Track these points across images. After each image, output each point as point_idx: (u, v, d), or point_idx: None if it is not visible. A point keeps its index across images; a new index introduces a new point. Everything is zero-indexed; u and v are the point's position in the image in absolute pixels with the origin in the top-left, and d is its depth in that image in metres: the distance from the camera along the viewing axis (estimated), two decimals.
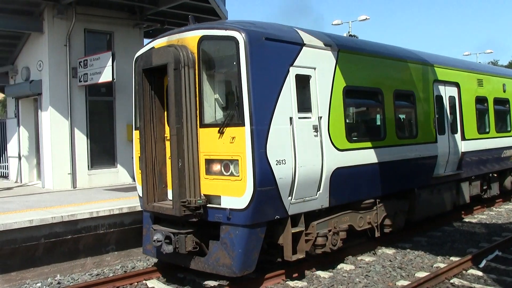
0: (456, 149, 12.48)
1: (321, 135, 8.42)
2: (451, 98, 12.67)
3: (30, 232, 9.23)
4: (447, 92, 12.50)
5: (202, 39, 7.91)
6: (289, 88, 7.97)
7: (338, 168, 8.67)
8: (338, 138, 8.80)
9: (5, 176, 19.02)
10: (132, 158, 9.73)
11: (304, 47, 8.44)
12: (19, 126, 17.25)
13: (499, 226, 12.97)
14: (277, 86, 7.81)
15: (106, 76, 14.07)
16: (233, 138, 7.48)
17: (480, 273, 8.85)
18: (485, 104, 14.40)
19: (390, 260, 9.85)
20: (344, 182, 8.90)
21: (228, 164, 7.56)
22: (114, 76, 13.99)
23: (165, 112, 8.52)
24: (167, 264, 9.18)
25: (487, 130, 14.40)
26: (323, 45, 8.91)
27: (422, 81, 11.58)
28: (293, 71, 8.09)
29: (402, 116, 11.45)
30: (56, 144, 14.72)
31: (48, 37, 14.78)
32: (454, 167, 12.50)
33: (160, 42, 8.68)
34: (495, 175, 15.09)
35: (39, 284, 9.04)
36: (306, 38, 8.66)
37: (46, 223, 9.39)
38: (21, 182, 16.99)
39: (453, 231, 12.48)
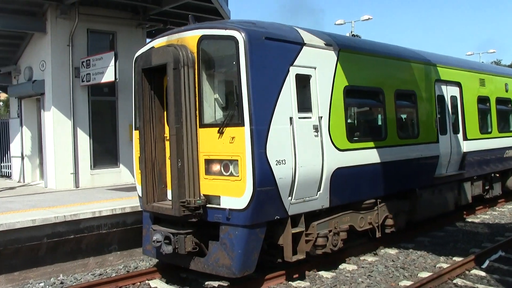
0: (458, 149, 12.43)
1: (321, 135, 8.39)
2: (453, 98, 12.61)
3: (33, 232, 9.24)
4: (449, 91, 12.44)
5: (202, 38, 7.89)
6: (289, 88, 7.94)
7: (338, 168, 8.64)
8: (338, 138, 8.76)
9: (8, 176, 19.09)
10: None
11: (304, 47, 8.41)
12: (22, 126, 17.33)
13: (502, 226, 12.90)
14: (277, 85, 7.78)
15: (108, 76, 14.13)
16: (232, 138, 7.46)
17: (483, 274, 8.81)
18: (487, 104, 14.33)
19: (392, 260, 9.83)
20: (345, 182, 8.87)
21: (227, 164, 7.55)
22: (117, 76, 14.04)
23: (165, 112, 8.51)
24: (169, 264, 9.15)
25: (489, 130, 14.32)
26: (324, 45, 8.87)
27: (423, 80, 11.52)
28: (293, 71, 8.06)
29: (403, 116, 11.39)
30: (58, 144, 14.77)
31: (51, 37, 14.83)
32: (456, 167, 12.45)
33: (159, 41, 8.67)
34: (497, 175, 15.01)
35: (42, 284, 9.06)
36: (307, 37, 8.63)
37: (48, 222, 9.40)
38: (23, 182, 17.05)
39: (456, 231, 12.43)
